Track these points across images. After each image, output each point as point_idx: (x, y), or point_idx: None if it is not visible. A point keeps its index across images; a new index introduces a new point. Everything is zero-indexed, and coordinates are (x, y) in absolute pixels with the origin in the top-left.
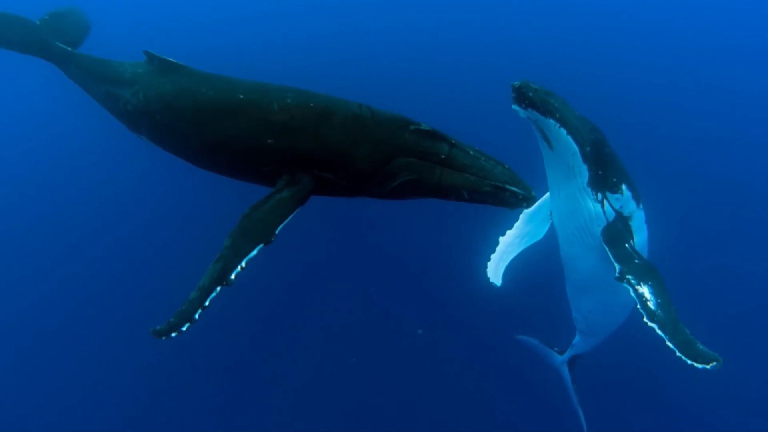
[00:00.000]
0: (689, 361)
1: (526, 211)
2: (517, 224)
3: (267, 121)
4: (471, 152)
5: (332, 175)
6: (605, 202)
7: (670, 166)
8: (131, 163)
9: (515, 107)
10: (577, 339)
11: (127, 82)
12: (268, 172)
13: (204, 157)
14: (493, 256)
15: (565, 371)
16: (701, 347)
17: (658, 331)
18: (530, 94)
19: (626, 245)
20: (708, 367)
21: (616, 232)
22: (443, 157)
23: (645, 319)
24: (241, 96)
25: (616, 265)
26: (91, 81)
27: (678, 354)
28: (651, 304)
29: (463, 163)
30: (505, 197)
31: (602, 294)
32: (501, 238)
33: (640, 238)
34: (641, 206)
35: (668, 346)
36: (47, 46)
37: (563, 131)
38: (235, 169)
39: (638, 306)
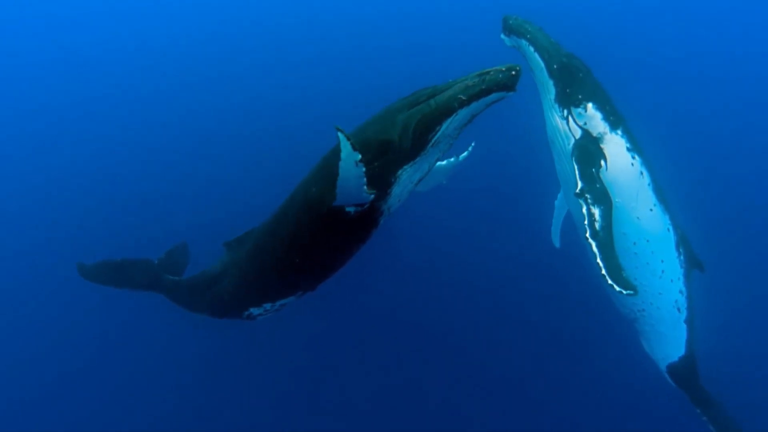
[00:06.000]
0: (610, 281)
1: None
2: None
3: (306, 187)
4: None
5: (365, 166)
6: (570, 118)
7: None
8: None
9: (502, 36)
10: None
11: (222, 274)
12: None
13: (291, 252)
14: (553, 221)
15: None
16: (624, 275)
17: (595, 248)
18: (510, 21)
19: (593, 168)
20: (624, 292)
21: (586, 151)
22: (430, 92)
23: (587, 235)
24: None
25: (579, 181)
26: (196, 296)
27: (603, 272)
28: (597, 225)
29: (448, 86)
30: (491, 76)
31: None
32: (555, 202)
33: (620, 164)
34: (619, 132)
35: (597, 263)
36: (159, 280)
37: (531, 49)
38: (309, 232)
39: (585, 222)
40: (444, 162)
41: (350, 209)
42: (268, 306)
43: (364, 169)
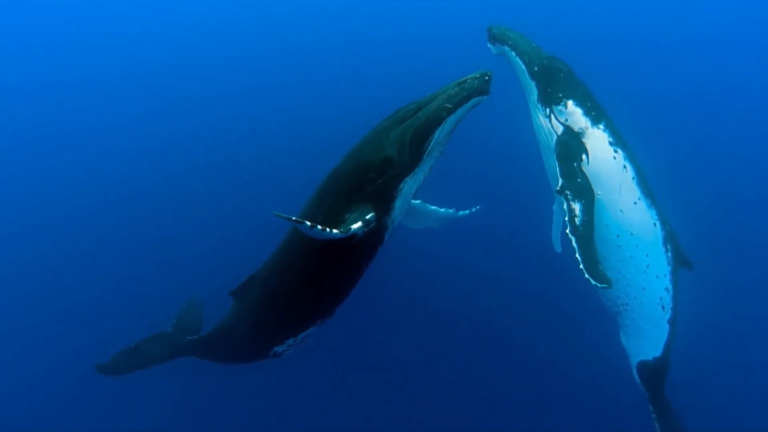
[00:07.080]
0: (586, 274)
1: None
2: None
3: (310, 218)
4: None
5: (369, 186)
6: (552, 115)
7: None
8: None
9: (488, 45)
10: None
11: (237, 322)
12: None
13: (304, 284)
14: (553, 226)
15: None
16: (600, 268)
17: (574, 243)
18: (494, 30)
19: (574, 163)
20: (599, 285)
21: (567, 146)
22: (415, 107)
23: (567, 231)
24: None
25: (559, 178)
26: (219, 349)
27: (581, 267)
28: (577, 220)
29: (430, 99)
30: (468, 84)
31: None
32: (554, 207)
33: (602, 157)
34: (601, 127)
35: (576, 258)
36: (179, 346)
37: (514, 54)
38: (319, 260)
39: (566, 218)
40: (442, 210)
41: (358, 231)
42: (291, 341)
43: (319, 227)
